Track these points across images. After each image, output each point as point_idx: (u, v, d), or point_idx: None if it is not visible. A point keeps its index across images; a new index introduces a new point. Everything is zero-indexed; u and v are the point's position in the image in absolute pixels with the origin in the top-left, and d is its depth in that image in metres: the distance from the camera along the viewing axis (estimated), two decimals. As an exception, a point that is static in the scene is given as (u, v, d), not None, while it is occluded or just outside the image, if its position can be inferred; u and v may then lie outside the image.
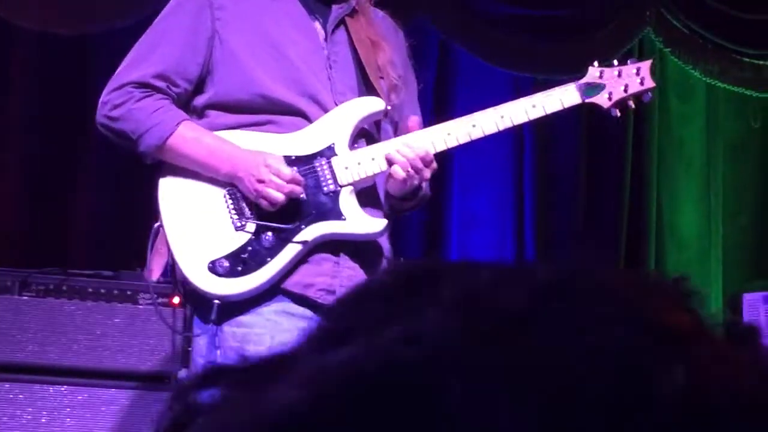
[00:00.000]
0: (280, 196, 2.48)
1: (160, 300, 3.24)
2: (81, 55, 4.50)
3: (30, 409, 3.41)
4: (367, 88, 2.65)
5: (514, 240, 4.96)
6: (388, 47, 2.70)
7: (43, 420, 3.41)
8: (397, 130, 2.74)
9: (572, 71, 4.79)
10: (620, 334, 0.46)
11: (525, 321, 0.47)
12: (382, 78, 2.66)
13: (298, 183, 2.51)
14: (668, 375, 0.45)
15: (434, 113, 4.22)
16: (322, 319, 0.53)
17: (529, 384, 0.45)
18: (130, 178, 4.18)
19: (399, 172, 2.53)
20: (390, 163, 2.55)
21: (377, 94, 2.64)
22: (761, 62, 4.86)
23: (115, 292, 3.54)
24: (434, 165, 2.58)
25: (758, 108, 5.17)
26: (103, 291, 3.54)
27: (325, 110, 2.58)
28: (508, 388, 0.44)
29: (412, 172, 2.53)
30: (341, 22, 2.67)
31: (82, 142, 4.48)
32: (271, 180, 2.47)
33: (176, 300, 3.46)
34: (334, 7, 2.67)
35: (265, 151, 2.53)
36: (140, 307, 3.53)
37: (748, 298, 4.41)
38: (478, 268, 0.52)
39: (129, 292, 3.53)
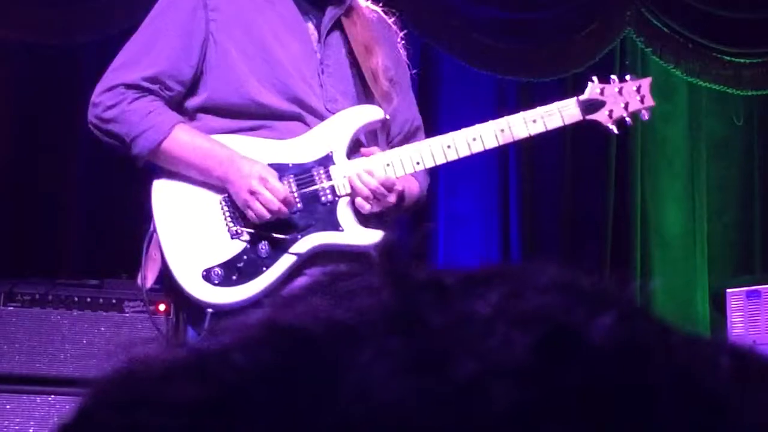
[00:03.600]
0: (266, 213, 2.44)
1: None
2: (70, 64, 4.49)
3: (18, 420, 3.41)
4: (365, 91, 2.62)
5: (499, 239, 4.97)
6: (380, 50, 2.65)
7: (31, 430, 3.41)
8: (389, 132, 2.70)
9: (555, 73, 4.84)
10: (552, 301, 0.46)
11: None
12: (376, 83, 2.62)
13: (288, 204, 2.46)
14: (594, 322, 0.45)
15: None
16: None
17: None
18: (117, 188, 4.18)
19: (364, 205, 2.50)
20: (355, 193, 2.51)
21: (373, 98, 2.60)
22: (741, 60, 4.88)
23: (101, 300, 3.54)
24: (398, 188, 2.51)
25: (741, 106, 5.19)
26: (88, 300, 3.54)
27: (317, 116, 2.54)
28: None
29: (373, 199, 2.50)
30: (336, 23, 2.62)
31: (70, 151, 4.48)
32: (262, 194, 2.43)
33: (162, 307, 3.45)
34: (329, 8, 2.62)
35: (261, 162, 2.48)
36: (126, 315, 3.52)
37: (731, 293, 4.42)
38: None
39: (114, 301, 3.53)
